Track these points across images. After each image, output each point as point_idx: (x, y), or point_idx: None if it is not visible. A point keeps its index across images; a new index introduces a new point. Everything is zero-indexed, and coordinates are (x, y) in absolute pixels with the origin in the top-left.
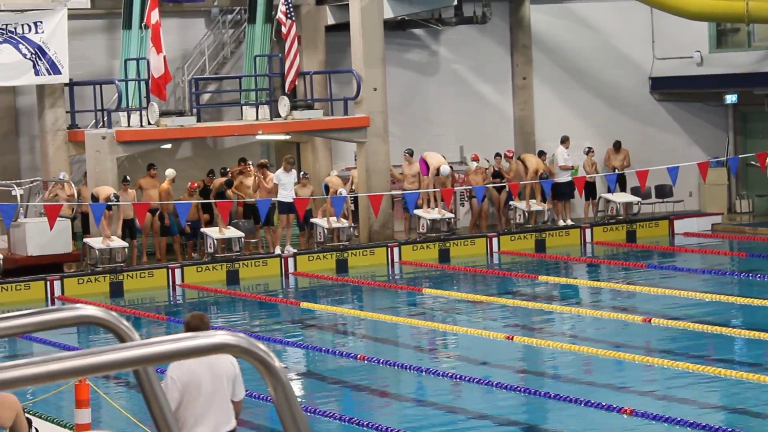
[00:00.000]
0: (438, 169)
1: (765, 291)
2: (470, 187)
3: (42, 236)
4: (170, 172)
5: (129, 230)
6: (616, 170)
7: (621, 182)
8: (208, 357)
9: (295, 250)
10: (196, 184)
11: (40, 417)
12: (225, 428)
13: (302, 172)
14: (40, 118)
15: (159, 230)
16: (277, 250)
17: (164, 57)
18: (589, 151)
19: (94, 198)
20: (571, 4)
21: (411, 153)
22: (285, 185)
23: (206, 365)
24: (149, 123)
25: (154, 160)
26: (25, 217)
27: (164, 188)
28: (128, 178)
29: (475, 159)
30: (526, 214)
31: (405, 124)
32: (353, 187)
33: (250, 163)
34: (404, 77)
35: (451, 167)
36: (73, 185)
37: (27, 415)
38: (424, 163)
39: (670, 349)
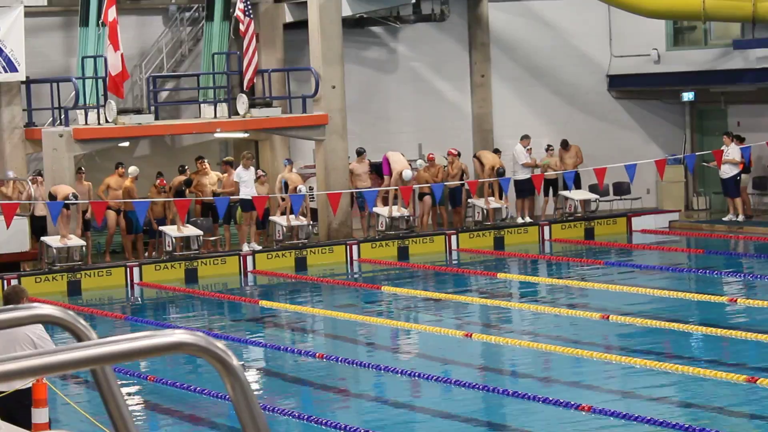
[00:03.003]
0: (401, 174)
1: (721, 287)
2: (428, 184)
3: None
4: (133, 170)
5: (84, 222)
6: (565, 168)
7: (575, 180)
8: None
9: (260, 247)
10: (165, 182)
11: None
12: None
13: (260, 171)
14: None
15: (125, 228)
16: (245, 247)
17: (122, 54)
18: (549, 148)
19: (52, 196)
20: (529, 2)
21: (363, 151)
22: (246, 182)
23: (4, 332)
24: (107, 121)
25: (112, 158)
26: None
27: (127, 186)
28: (83, 168)
29: (431, 159)
30: (485, 211)
31: (364, 121)
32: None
33: (206, 161)
34: (363, 75)
35: (412, 169)
36: (30, 184)
37: None
38: (387, 163)
39: (628, 345)
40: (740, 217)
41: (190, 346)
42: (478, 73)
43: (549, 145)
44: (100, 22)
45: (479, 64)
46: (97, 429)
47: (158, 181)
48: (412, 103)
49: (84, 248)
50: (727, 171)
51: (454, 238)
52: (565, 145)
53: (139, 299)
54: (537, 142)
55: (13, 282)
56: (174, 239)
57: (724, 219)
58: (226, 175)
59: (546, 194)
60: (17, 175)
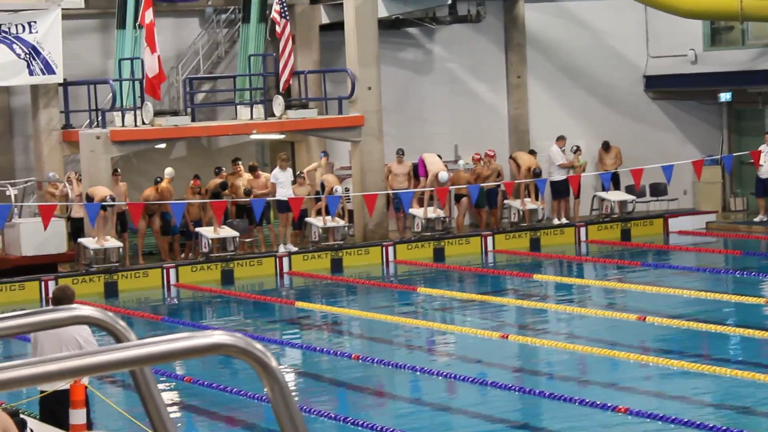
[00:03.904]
0: (437, 176)
1: (759, 289)
2: (463, 186)
3: (36, 236)
4: (169, 171)
5: (121, 224)
6: (605, 169)
7: (614, 181)
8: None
9: (296, 248)
10: (199, 183)
11: (35, 417)
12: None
13: (298, 172)
14: (34, 118)
15: (160, 230)
16: (281, 249)
17: (158, 56)
18: (577, 150)
19: (89, 198)
20: (566, 3)
21: (402, 153)
22: (282, 183)
23: (51, 333)
24: (143, 123)
25: (149, 160)
26: (20, 217)
27: (164, 187)
28: (119, 170)
29: (477, 161)
30: (521, 212)
31: (399, 123)
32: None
33: (240, 163)
34: (399, 76)
35: (452, 171)
36: (66, 185)
37: (22, 416)
38: (423, 164)
39: (665, 347)
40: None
41: (230, 348)
42: (514, 74)
43: (577, 146)
44: (137, 24)
45: (515, 65)
46: (136, 428)
47: (192, 182)
48: (448, 105)
49: (121, 249)
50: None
51: (490, 239)
52: (606, 146)
53: (176, 300)
54: (572, 143)
55: (51, 284)
56: (210, 241)
57: (755, 220)
58: (252, 178)
59: (576, 195)
60: (58, 177)
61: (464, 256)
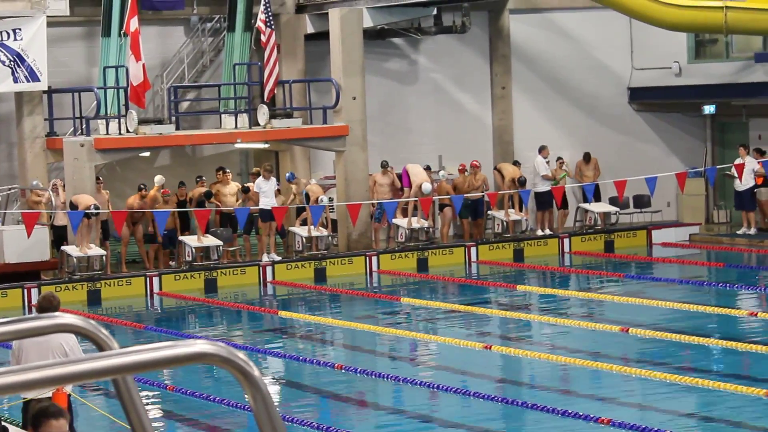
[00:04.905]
0: (420, 187)
1: (742, 301)
2: (448, 196)
3: (19, 244)
4: (159, 179)
5: (102, 232)
6: (586, 181)
7: (595, 193)
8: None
9: (279, 258)
10: (169, 191)
11: (17, 424)
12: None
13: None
14: (18, 125)
15: (145, 238)
16: (264, 258)
17: (143, 65)
18: (558, 160)
19: (73, 206)
20: (551, 14)
21: (387, 165)
22: (266, 193)
23: (39, 341)
24: (128, 131)
25: (133, 168)
26: (3, 224)
27: (152, 195)
28: (101, 178)
29: (461, 171)
30: (505, 223)
31: (384, 133)
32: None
33: (228, 171)
34: (383, 86)
35: (435, 181)
36: (51, 194)
37: (3, 423)
38: (407, 175)
39: (648, 358)
40: (752, 230)
41: (212, 357)
42: (498, 85)
43: (559, 158)
44: (122, 32)
45: (500, 76)
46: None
47: (162, 190)
48: (432, 115)
49: (104, 258)
50: (747, 183)
51: (473, 249)
52: (587, 158)
53: (159, 309)
54: (557, 155)
55: (34, 291)
56: (194, 249)
57: (738, 232)
58: (252, 185)
59: (559, 208)
60: (41, 185)
61: (448, 267)
